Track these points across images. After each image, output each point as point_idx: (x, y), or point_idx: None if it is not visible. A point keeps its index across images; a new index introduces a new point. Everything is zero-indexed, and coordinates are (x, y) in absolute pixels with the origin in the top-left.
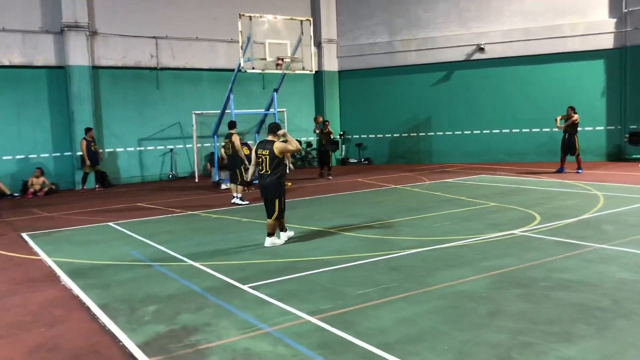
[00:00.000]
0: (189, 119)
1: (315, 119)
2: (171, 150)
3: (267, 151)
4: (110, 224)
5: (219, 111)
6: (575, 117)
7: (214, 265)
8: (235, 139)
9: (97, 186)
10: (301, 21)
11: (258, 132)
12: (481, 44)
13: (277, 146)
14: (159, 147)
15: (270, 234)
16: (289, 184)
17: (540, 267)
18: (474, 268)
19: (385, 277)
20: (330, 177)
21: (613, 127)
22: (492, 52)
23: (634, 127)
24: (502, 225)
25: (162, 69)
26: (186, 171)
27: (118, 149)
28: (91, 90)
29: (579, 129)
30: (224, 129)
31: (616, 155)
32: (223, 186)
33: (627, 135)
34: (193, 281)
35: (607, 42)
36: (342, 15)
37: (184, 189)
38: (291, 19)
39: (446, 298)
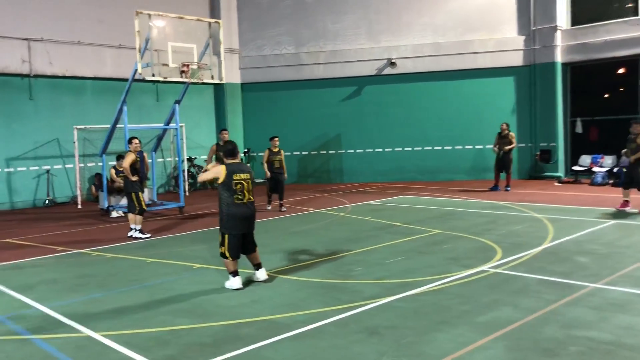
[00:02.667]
0: (69, 134)
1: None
2: (47, 171)
3: (247, 175)
4: None
5: (105, 126)
6: (512, 134)
7: (121, 335)
8: (127, 158)
9: None
10: (209, 23)
11: (155, 150)
12: (392, 59)
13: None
14: (32, 168)
15: (235, 273)
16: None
17: (550, 320)
18: (472, 326)
19: (368, 347)
20: (284, 209)
21: (524, 145)
22: (402, 67)
23: (544, 144)
24: (464, 260)
25: (37, 76)
26: (66, 195)
27: None
28: None
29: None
30: (114, 146)
31: (528, 173)
32: (114, 214)
33: (538, 153)
34: None
35: (516, 59)
36: (244, 24)
37: (65, 217)
38: (198, 19)
39: None
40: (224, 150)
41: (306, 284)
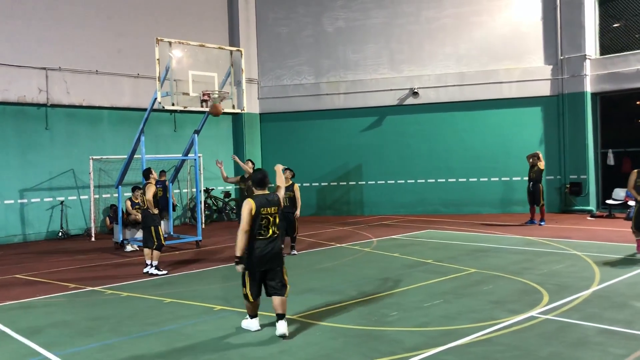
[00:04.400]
0: (85, 165)
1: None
2: (62, 202)
3: (275, 208)
4: None
5: (121, 156)
6: (541, 164)
7: None
8: (150, 189)
9: None
10: (231, 52)
11: (172, 181)
12: (414, 88)
13: (282, 195)
14: (46, 199)
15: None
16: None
17: None
18: None
19: None
20: (294, 252)
21: (552, 177)
22: (425, 97)
23: (574, 177)
24: (509, 304)
25: (53, 105)
26: (80, 228)
27: None
28: None
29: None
30: (131, 177)
31: (558, 207)
32: (129, 248)
33: (568, 186)
34: None
35: (544, 89)
36: (264, 53)
37: (78, 251)
38: (220, 47)
39: None
40: (253, 179)
41: (339, 331)
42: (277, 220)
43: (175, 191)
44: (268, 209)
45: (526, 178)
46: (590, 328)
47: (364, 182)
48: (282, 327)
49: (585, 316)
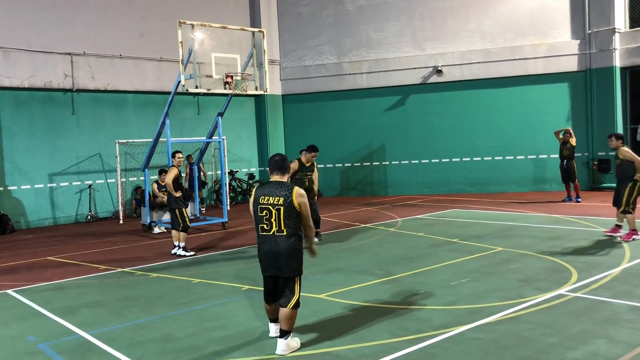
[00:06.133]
0: (111, 149)
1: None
2: (90, 186)
3: (280, 199)
4: (8, 291)
5: (147, 140)
6: (573, 140)
7: None
8: (170, 173)
9: None
10: (253, 33)
11: (197, 164)
12: (438, 66)
13: (300, 194)
14: (74, 183)
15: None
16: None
17: None
18: None
19: None
20: (319, 238)
21: (580, 154)
22: (449, 74)
23: (602, 153)
24: (536, 282)
25: (79, 90)
26: (108, 211)
27: (23, 187)
28: None
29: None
30: (156, 160)
31: (586, 184)
32: (156, 230)
33: (596, 163)
34: None
35: (571, 64)
36: (285, 34)
37: (107, 234)
38: (242, 29)
39: None
40: (269, 163)
41: (367, 310)
42: (283, 214)
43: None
44: (270, 198)
45: (554, 155)
46: (620, 305)
47: (387, 162)
48: (280, 346)
49: (616, 294)
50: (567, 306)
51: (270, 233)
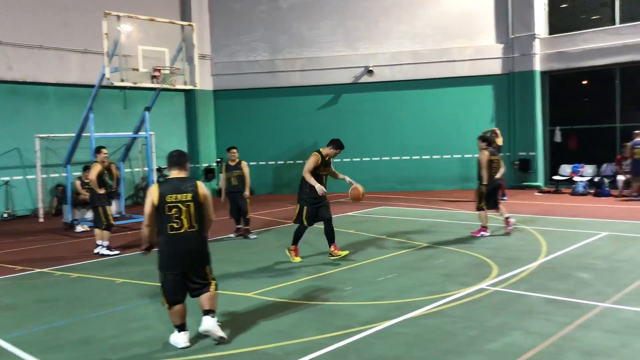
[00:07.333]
0: (30, 143)
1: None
2: (6, 182)
3: (188, 195)
4: None
5: (70, 134)
6: (499, 140)
7: None
8: (94, 169)
9: None
10: (182, 26)
11: (123, 160)
12: (369, 67)
13: (203, 186)
14: None
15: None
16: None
17: (567, 347)
18: (483, 355)
19: None
20: (254, 236)
21: (503, 154)
22: (380, 75)
23: (523, 153)
24: (459, 277)
25: None
26: (27, 209)
27: None
28: None
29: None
30: (80, 155)
31: (508, 183)
32: (79, 228)
33: (517, 162)
34: None
35: (495, 67)
36: (217, 29)
37: (25, 232)
38: (170, 22)
39: None
40: (168, 159)
41: (295, 307)
42: (194, 212)
43: (126, 170)
44: (177, 195)
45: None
46: (536, 298)
47: None
48: (209, 322)
49: (532, 287)
50: (488, 300)
51: (182, 231)
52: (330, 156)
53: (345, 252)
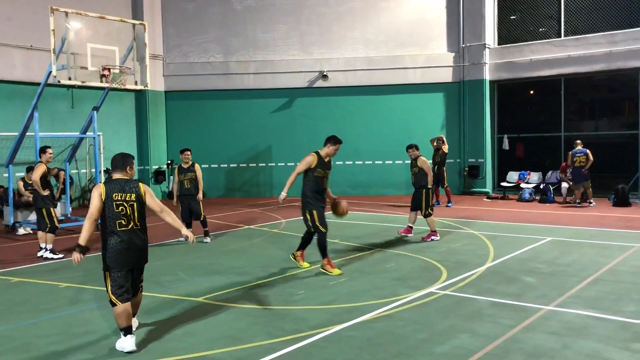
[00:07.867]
0: None
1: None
2: None
3: (132, 195)
4: None
5: (12, 133)
6: (445, 147)
7: None
8: (38, 170)
9: None
10: (134, 25)
11: (69, 160)
12: (324, 71)
13: (146, 187)
14: None
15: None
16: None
17: (513, 350)
18: (432, 358)
19: None
20: (208, 240)
21: (453, 160)
22: (334, 80)
23: (473, 160)
24: (410, 280)
25: None
26: None
27: None
28: None
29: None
30: (24, 155)
31: (458, 188)
32: (21, 231)
33: (467, 169)
34: None
35: (446, 75)
36: (169, 29)
37: None
38: (122, 20)
39: None
40: (112, 161)
41: (244, 312)
42: (137, 212)
43: (72, 171)
44: (123, 195)
45: (430, 161)
46: (483, 302)
47: (273, 164)
48: (126, 343)
49: (480, 291)
50: (437, 303)
51: (129, 228)
52: (330, 155)
53: (307, 265)
